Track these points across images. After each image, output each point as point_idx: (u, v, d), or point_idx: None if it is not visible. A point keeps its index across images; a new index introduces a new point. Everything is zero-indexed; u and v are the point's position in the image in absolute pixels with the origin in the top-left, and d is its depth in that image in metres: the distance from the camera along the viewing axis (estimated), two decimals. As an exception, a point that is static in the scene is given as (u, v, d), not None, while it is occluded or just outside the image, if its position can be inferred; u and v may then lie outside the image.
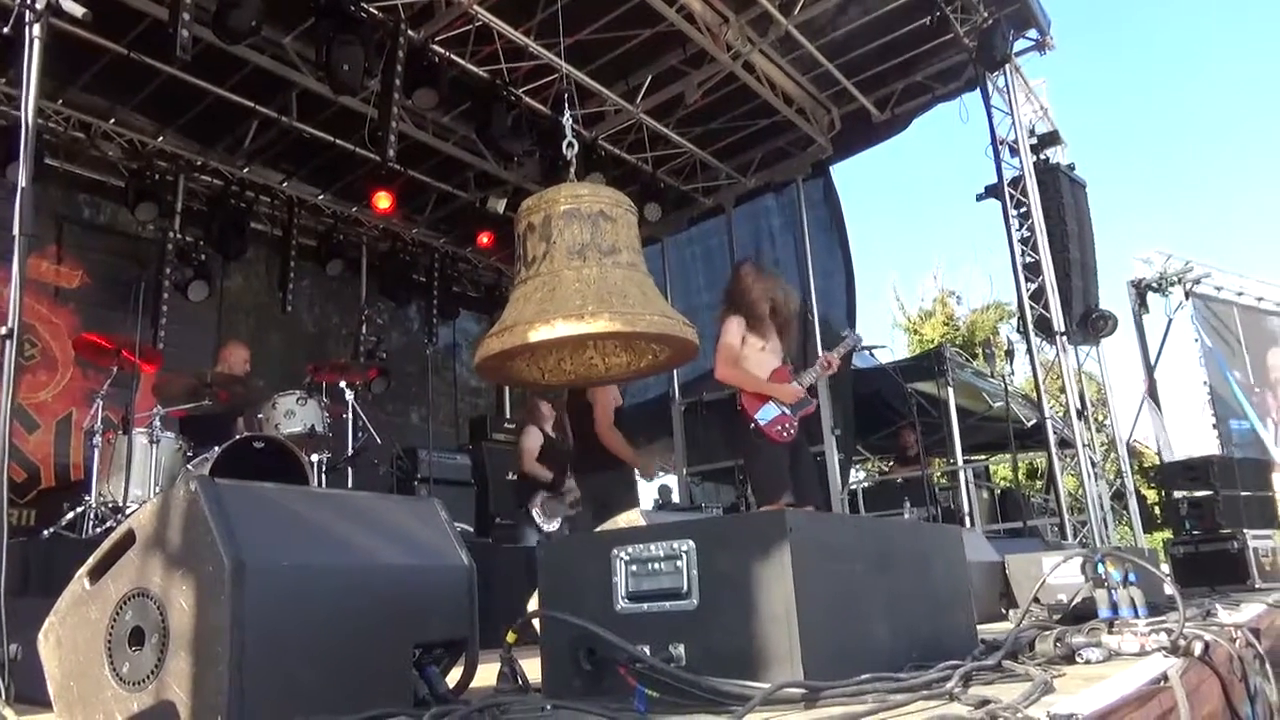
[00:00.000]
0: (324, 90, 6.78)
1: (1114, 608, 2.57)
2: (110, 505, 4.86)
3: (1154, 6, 44.24)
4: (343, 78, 5.99)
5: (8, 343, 2.03)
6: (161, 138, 7.80)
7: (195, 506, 1.60)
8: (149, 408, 5.30)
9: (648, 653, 1.73)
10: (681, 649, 1.74)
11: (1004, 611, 4.10)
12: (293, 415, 5.53)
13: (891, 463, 11.87)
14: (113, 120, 7.54)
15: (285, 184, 8.72)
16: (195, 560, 1.57)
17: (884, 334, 20.71)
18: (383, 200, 8.44)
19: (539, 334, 2.37)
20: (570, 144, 3.84)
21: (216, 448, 4.97)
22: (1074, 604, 2.77)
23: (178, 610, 1.57)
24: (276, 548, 1.64)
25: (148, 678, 1.57)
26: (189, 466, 5.11)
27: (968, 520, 8.53)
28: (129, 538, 1.69)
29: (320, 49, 6.06)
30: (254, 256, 8.70)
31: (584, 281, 2.40)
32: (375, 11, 6.38)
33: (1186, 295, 8.40)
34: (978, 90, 7.98)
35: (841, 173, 9.08)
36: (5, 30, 2.35)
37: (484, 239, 9.50)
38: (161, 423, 5.10)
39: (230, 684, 1.46)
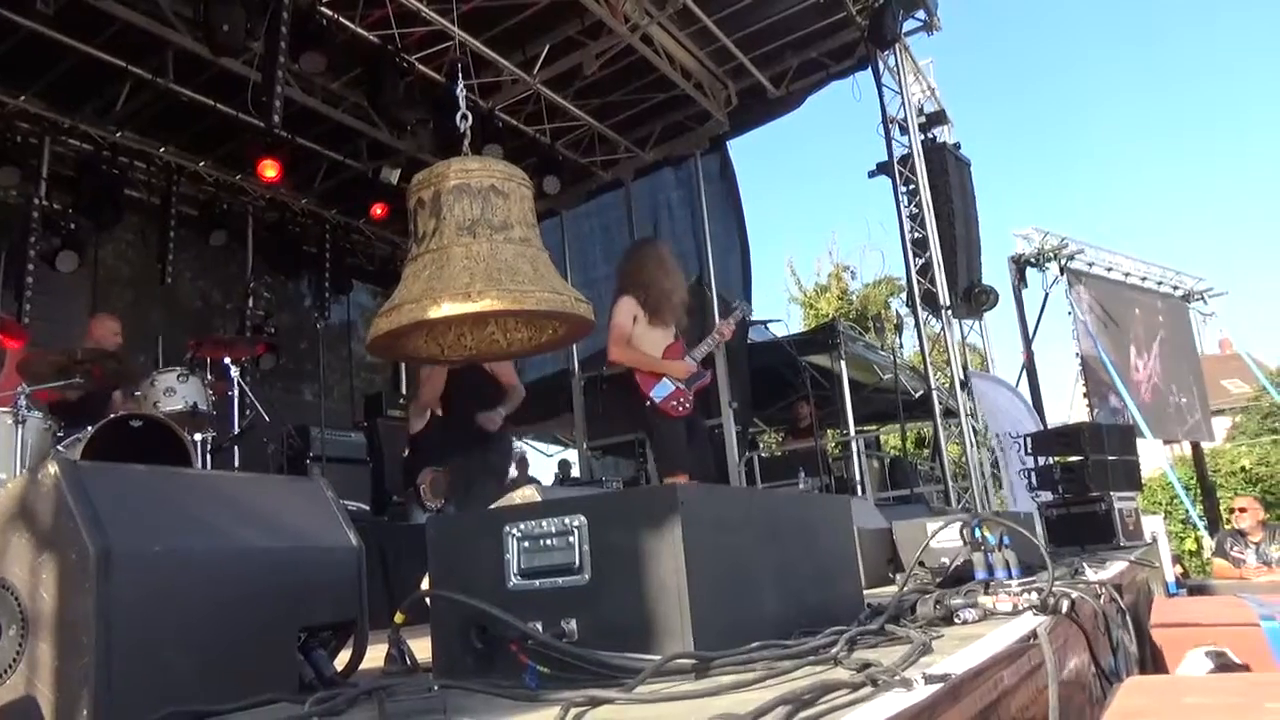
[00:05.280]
0: (203, 51, 6.42)
1: (990, 570, 2.69)
2: (-29, 490, 4.54)
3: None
4: (222, 38, 5.70)
5: None
6: (23, 98, 7.29)
7: (56, 490, 1.51)
8: (14, 386, 4.98)
9: (540, 629, 1.72)
10: (574, 624, 1.74)
11: (892, 576, 4.25)
12: (173, 393, 5.27)
13: (784, 434, 12.16)
14: (-35, 78, 7.02)
15: (163, 150, 8.28)
16: (57, 547, 1.49)
17: (779, 308, 21.10)
18: (269, 169, 8.05)
19: (426, 313, 2.31)
20: (464, 115, 3.74)
21: (90, 427, 4.72)
22: (954, 567, 2.89)
23: (39, 600, 1.48)
24: (146, 532, 1.56)
25: (6, 670, 1.48)
26: (60, 448, 4.83)
27: (859, 489, 8.80)
28: (-17, 525, 1.59)
29: (198, 7, 5.76)
30: (130, 226, 8.27)
31: (473, 259, 2.35)
32: (257, -32, 6.08)
33: (1061, 271, 8.81)
34: (869, 69, 8.17)
35: (738, 148, 9.19)
36: None
37: (377, 210, 9.16)
38: (28, 402, 4.80)
39: (97, 675, 1.40)
